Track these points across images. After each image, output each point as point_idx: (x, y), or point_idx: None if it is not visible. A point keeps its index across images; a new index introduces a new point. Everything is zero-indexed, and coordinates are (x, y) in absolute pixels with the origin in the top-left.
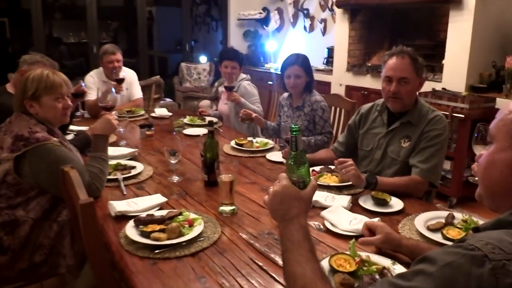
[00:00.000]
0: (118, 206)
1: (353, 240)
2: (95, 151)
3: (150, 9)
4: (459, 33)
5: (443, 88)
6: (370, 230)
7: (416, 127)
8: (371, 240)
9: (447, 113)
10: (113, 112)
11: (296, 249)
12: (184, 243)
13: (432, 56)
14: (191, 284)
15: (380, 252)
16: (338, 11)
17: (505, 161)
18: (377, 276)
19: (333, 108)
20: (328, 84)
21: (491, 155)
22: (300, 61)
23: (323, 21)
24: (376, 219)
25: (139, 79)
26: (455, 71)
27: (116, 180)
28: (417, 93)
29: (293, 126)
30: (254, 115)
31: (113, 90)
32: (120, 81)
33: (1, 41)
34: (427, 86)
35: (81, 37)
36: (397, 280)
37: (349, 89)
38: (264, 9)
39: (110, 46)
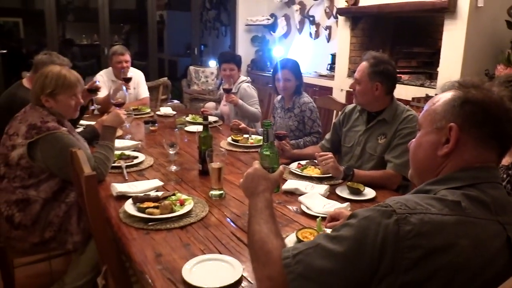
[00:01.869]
0: (119, 187)
1: (320, 217)
2: (103, 140)
3: (161, 13)
4: (453, 42)
5: (436, 94)
6: (334, 219)
7: (391, 125)
8: (336, 224)
9: None
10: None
11: (258, 214)
12: (174, 218)
13: (430, 64)
14: (177, 249)
15: None
16: (340, 18)
17: (428, 142)
18: None
19: (325, 109)
20: (330, 89)
21: (419, 139)
22: (290, 66)
23: (328, 28)
24: (345, 205)
25: (149, 81)
26: (449, 78)
27: (119, 167)
28: (393, 95)
29: (265, 121)
30: (241, 125)
31: (124, 88)
32: (128, 80)
33: (15, 41)
34: (422, 92)
35: (93, 39)
36: (331, 233)
37: (350, 94)
38: (272, 15)
39: (119, 47)
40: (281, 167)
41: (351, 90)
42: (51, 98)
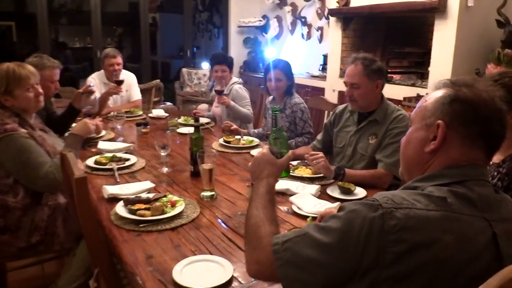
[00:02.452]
0: (111, 189)
1: (310, 217)
2: (67, 146)
3: (154, 15)
4: (444, 41)
5: (427, 94)
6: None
7: (381, 125)
8: None
9: None
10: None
11: (258, 198)
12: (165, 220)
13: (422, 64)
14: (168, 250)
15: None
16: (331, 19)
17: (417, 139)
18: None
19: (316, 109)
20: (322, 90)
21: (409, 135)
22: (281, 66)
23: (320, 29)
24: (335, 204)
25: (142, 83)
26: (440, 78)
27: (111, 169)
28: (382, 93)
29: (274, 107)
30: (233, 127)
31: (95, 97)
32: (120, 82)
33: (8, 45)
34: (414, 92)
35: (86, 42)
36: (320, 223)
37: (342, 94)
38: (264, 16)
39: (111, 49)
40: (289, 152)
41: (344, 91)
42: (8, 96)
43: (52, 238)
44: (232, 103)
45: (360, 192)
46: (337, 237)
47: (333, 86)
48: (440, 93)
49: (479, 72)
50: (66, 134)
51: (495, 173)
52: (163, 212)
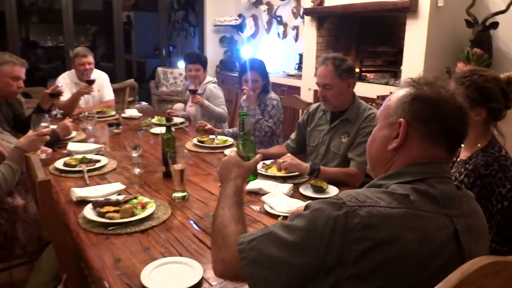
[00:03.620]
0: (79, 192)
1: (281, 217)
2: (10, 160)
3: (128, 14)
4: (415, 41)
5: (391, 93)
6: None
7: (354, 124)
8: None
9: None
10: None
11: (225, 200)
12: (135, 222)
13: (395, 63)
14: (137, 253)
15: None
16: (306, 18)
17: (381, 137)
18: None
19: (290, 108)
20: (298, 89)
21: (374, 134)
22: (256, 66)
23: (295, 28)
24: (307, 203)
25: (116, 83)
26: (412, 76)
27: (81, 171)
28: (353, 92)
29: (241, 111)
30: (207, 126)
31: (46, 116)
32: (91, 82)
33: None
34: (387, 90)
35: (59, 41)
36: (285, 222)
37: (317, 93)
38: (240, 15)
39: (81, 48)
40: (257, 155)
41: (320, 96)
42: None
43: (13, 242)
44: (207, 102)
45: (333, 191)
46: (301, 235)
47: (309, 85)
48: (402, 92)
49: (449, 71)
50: None
51: (462, 170)
52: (133, 214)
